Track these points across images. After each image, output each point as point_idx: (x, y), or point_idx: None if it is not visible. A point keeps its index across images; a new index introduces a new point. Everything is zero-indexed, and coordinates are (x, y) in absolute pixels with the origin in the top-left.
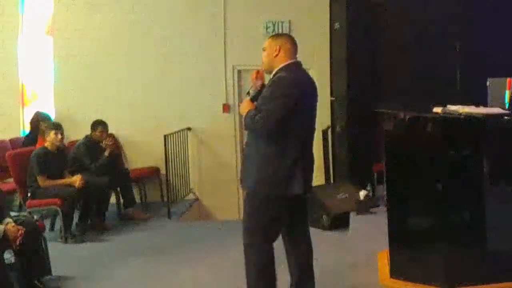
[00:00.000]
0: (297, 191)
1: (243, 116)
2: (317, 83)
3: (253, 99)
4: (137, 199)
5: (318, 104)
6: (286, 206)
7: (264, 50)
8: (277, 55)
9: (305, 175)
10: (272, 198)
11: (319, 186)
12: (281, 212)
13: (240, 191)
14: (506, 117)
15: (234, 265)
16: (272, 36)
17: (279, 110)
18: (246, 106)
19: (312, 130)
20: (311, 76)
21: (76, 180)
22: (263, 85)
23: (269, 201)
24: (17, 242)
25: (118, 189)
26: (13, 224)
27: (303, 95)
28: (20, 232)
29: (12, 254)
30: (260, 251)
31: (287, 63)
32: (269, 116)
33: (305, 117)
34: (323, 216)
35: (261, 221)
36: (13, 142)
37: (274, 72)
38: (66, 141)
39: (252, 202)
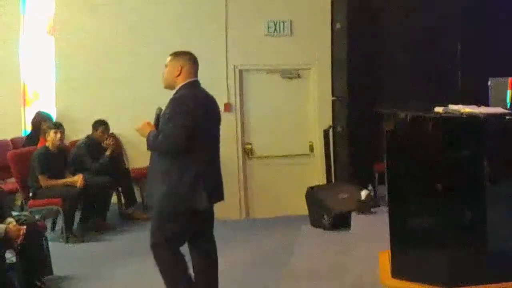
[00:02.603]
0: (199, 206)
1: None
2: (318, 83)
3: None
4: (138, 198)
5: (319, 103)
6: (190, 219)
7: (166, 66)
8: (178, 74)
9: (209, 189)
10: (176, 213)
11: (320, 186)
12: (186, 225)
13: (242, 190)
14: (507, 117)
15: (233, 264)
16: (174, 54)
17: (180, 130)
18: (146, 128)
19: (216, 144)
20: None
21: (77, 180)
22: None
23: (174, 215)
24: (19, 242)
25: (119, 188)
26: (14, 223)
27: (202, 111)
28: (21, 231)
29: (14, 254)
30: (166, 255)
31: (187, 81)
32: (170, 136)
33: (206, 133)
34: (324, 216)
35: (167, 234)
36: (15, 142)
37: (175, 91)
38: (67, 141)
39: (158, 217)
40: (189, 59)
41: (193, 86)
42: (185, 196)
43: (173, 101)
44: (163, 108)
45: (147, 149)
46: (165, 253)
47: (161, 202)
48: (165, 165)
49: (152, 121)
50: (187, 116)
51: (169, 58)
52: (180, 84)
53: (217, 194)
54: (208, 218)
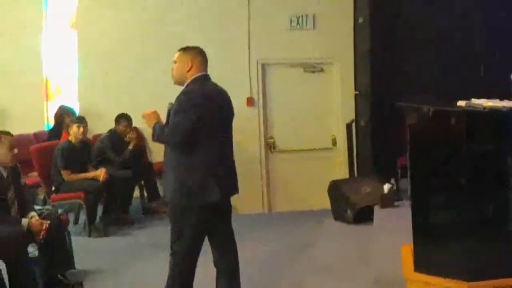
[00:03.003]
0: (211, 200)
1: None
2: (341, 77)
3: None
4: (161, 192)
5: (342, 97)
6: (205, 215)
7: (174, 62)
8: (189, 70)
9: (220, 183)
10: (189, 208)
11: (343, 180)
12: (201, 221)
13: (264, 185)
14: None
15: (255, 258)
16: (183, 49)
17: (186, 123)
18: (152, 118)
19: (228, 139)
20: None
21: (100, 174)
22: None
23: (187, 211)
24: (41, 236)
25: (142, 182)
26: (37, 218)
27: (212, 105)
28: (44, 225)
29: (36, 248)
30: (184, 261)
31: (196, 75)
32: (176, 129)
33: (216, 127)
34: (347, 210)
35: (184, 231)
36: (37, 136)
37: (185, 85)
38: (90, 135)
39: (173, 213)
40: (198, 54)
41: (203, 80)
42: (195, 189)
43: (181, 96)
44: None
45: (152, 139)
46: (181, 264)
47: (173, 196)
48: (175, 159)
49: (165, 116)
50: (192, 110)
51: (177, 54)
52: (190, 79)
53: (229, 187)
54: (224, 214)
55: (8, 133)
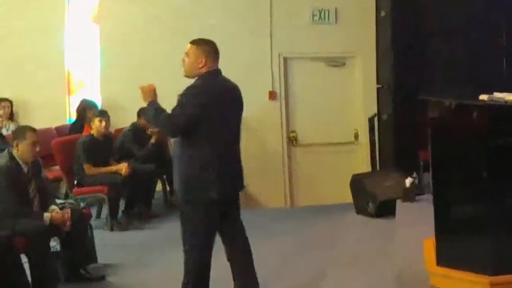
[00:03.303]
0: (212, 196)
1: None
2: (363, 71)
3: None
4: None
5: (364, 91)
6: (211, 210)
7: (186, 55)
8: (202, 67)
9: (224, 179)
10: (196, 203)
11: (365, 174)
12: (208, 216)
13: (286, 179)
14: None
15: (277, 252)
16: (195, 42)
17: (180, 119)
18: (149, 94)
19: (234, 135)
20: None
21: (123, 167)
22: None
23: (194, 206)
24: (67, 226)
25: (164, 176)
26: (58, 210)
27: (217, 104)
28: (65, 216)
29: (58, 242)
30: (196, 256)
31: (207, 70)
32: (169, 121)
33: (222, 123)
34: (369, 203)
35: (193, 226)
36: (59, 130)
37: (195, 79)
38: (112, 129)
39: (182, 207)
40: (212, 50)
41: (213, 76)
42: (199, 184)
43: (188, 90)
44: None
45: (146, 119)
46: (194, 260)
47: (179, 191)
48: (180, 154)
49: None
50: (192, 108)
51: (189, 46)
52: (201, 73)
53: (234, 184)
54: (232, 210)
55: (33, 129)
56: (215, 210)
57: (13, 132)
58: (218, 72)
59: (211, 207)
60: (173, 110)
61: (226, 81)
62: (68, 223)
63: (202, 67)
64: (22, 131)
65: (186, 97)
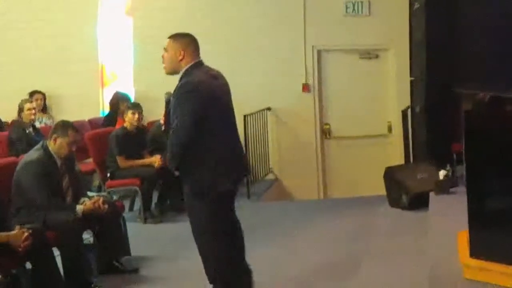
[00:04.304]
0: (223, 190)
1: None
2: (396, 63)
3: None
4: None
5: (397, 83)
6: (220, 202)
7: (165, 50)
8: (181, 59)
9: (231, 171)
10: (204, 200)
11: (398, 166)
12: (221, 208)
13: (320, 171)
14: None
15: (311, 244)
16: (173, 36)
17: (187, 121)
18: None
19: (230, 122)
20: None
21: (155, 160)
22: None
23: (203, 203)
24: (103, 211)
25: None
26: (89, 201)
27: (209, 95)
28: (96, 203)
29: (91, 234)
30: (217, 241)
31: (190, 65)
32: (180, 130)
33: (217, 114)
34: (403, 196)
35: (209, 219)
36: (92, 123)
37: (180, 76)
38: (145, 121)
39: (189, 207)
40: (191, 42)
41: (196, 68)
42: (206, 183)
43: (177, 91)
44: (172, 93)
45: (170, 164)
46: (218, 244)
47: (188, 190)
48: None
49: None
50: (192, 102)
51: (168, 41)
52: (184, 68)
53: (240, 172)
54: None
55: (75, 129)
56: (224, 202)
57: (55, 125)
58: (200, 63)
59: (220, 200)
60: (173, 120)
61: (210, 70)
62: (103, 206)
63: (182, 59)
64: (65, 128)
65: (180, 97)
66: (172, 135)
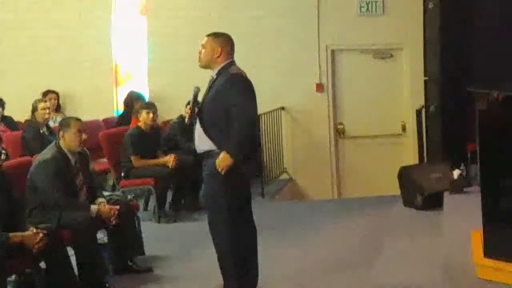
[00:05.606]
0: (244, 170)
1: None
2: (410, 63)
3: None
4: None
5: (411, 83)
6: (242, 182)
7: (203, 47)
8: (218, 56)
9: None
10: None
11: (412, 166)
12: (238, 185)
13: (334, 171)
14: None
15: (325, 244)
16: (212, 35)
17: (248, 103)
18: (226, 159)
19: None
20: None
21: (170, 159)
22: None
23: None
24: (112, 221)
25: None
26: (105, 203)
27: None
28: (113, 211)
29: (105, 234)
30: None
31: (226, 62)
32: (244, 114)
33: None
34: (417, 195)
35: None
36: (107, 122)
37: (215, 72)
38: (159, 121)
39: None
40: (228, 41)
41: (232, 66)
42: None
43: (230, 80)
44: (201, 88)
45: (238, 156)
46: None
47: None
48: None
49: (190, 101)
50: (248, 91)
51: (206, 39)
52: (220, 65)
53: (255, 161)
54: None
55: (77, 119)
56: (237, 181)
57: (59, 123)
58: (234, 62)
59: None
60: (233, 109)
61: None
62: (113, 218)
63: (219, 56)
64: (66, 121)
65: (235, 86)
66: (237, 124)
